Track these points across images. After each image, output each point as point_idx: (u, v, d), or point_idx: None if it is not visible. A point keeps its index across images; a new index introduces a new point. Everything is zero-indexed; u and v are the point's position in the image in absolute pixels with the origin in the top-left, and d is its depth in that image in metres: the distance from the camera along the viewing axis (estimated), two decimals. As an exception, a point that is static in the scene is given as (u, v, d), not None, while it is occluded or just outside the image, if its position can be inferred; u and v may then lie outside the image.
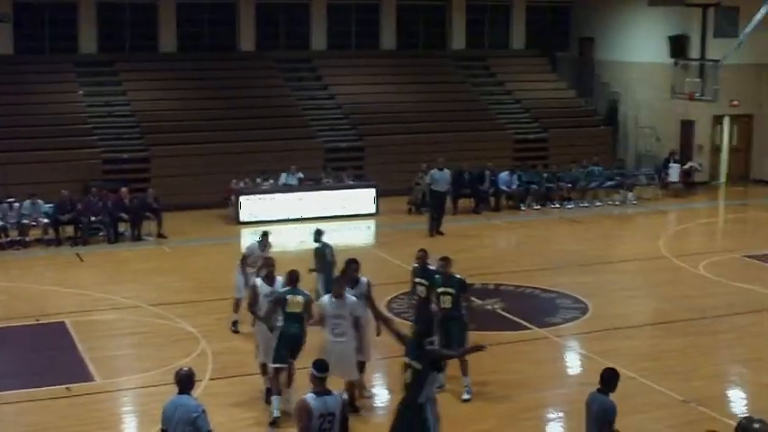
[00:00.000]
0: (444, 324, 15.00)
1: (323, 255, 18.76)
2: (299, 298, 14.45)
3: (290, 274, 14.70)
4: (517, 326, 19.03)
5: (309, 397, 10.21)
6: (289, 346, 14.23)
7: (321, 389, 10.27)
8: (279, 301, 14.50)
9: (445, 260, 15.53)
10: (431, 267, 16.01)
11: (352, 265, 15.24)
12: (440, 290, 15.26)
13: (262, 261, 17.23)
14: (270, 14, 37.45)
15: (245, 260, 18.71)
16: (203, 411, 10.25)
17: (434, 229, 27.49)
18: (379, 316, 14.79)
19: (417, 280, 16.08)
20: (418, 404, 11.62)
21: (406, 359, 11.93)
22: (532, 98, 38.36)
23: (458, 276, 15.46)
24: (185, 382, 10.41)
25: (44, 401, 15.22)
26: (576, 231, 28.98)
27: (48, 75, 33.79)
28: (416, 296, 16.23)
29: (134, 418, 15.15)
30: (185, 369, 10.54)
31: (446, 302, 15.13)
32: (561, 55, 41.05)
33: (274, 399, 14.19)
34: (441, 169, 28.10)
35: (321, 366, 10.42)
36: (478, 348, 12.89)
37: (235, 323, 18.59)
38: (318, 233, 19.32)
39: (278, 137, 32.98)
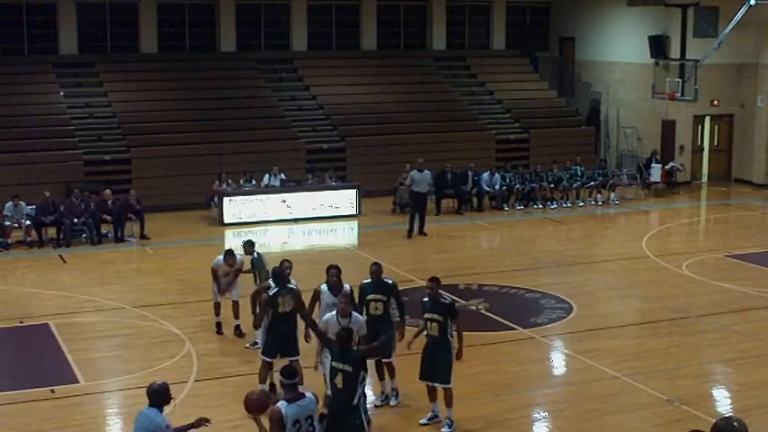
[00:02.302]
0: (431, 350, 13.98)
1: (262, 265, 18.24)
2: (288, 298, 14.69)
3: (278, 274, 14.97)
4: (502, 326, 19.05)
5: (281, 404, 10.20)
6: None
7: (293, 395, 10.25)
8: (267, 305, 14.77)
9: (434, 281, 14.13)
10: (387, 281, 15.00)
11: (332, 270, 14.71)
12: (426, 315, 13.94)
13: (232, 273, 17.90)
14: (250, 15, 37.40)
15: (214, 273, 18.41)
16: (167, 427, 10.00)
17: (419, 230, 27.43)
18: (307, 321, 13.87)
19: (375, 297, 14.69)
20: (353, 406, 11.49)
21: (334, 363, 11.70)
22: (514, 98, 38.42)
23: (447, 301, 14.26)
24: (156, 395, 10.09)
25: (28, 404, 15.15)
26: (559, 231, 29.06)
27: (27, 76, 33.63)
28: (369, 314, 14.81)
29: (119, 420, 15.08)
30: (159, 383, 10.25)
31: (432, 329, 13.88)
32: (542, 55, 41.14)
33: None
34: (421, 170, 27.90)
35: (289, 373, 10.40)
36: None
37: (218, 325, 18.49)
38: (250, 244, 18.59)
39: (259, 138, 32.93)
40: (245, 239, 18.88)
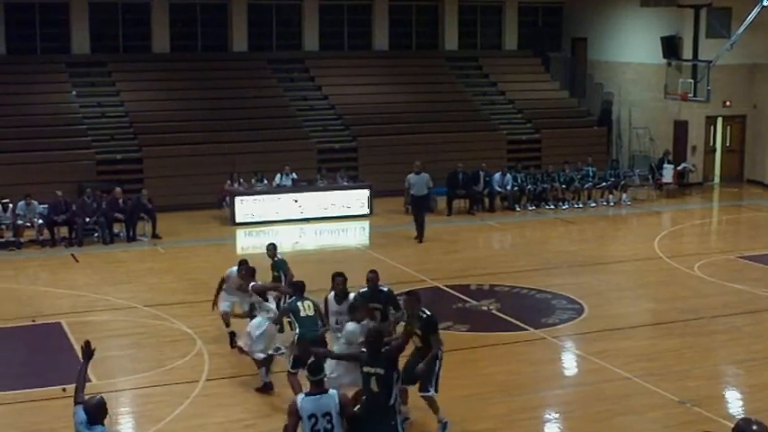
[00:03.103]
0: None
1: (287, 268, 18.05)
2: (308, 303, 14.74)
3: (296, 283, 15.25)
4: (513, 327, 19.02)
5: (299, 396, 10.27)
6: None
7: (314, 389, 10.28)
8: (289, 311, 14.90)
9: (412, 296, 14.08)
10: (383, 289, 14.81)
11: (338, 278, 14.53)
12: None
13: (238, 285, 17.09)
14: (262, 15, 37.44)
15: (222, 282, 18.09)
16: None
17: (418, 237, 26.90)
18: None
19: (372, 305, 14.41)
20: (389, 407, 11.44)
21: (365, 368, 11.53)
22: (525, 99, 38.40)
23: (426, 314, 13.74)
24: (94, 411, 9.74)
25: (40, 402, 15.19)
26: (571, 232, 29.03)
27: (40, 75, 33.75)
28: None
29: (130, 418, 15.13)
30: (96, 398, 9.90)
31: (415, 341, 13.78)
32: (554, 55, 41.09)
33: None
34: (418, 173, 27.51)
35: (315, 370, 10.42)
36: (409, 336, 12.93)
37: (232, 336, 17.61)
38: (273, 248, 18.32)
39: (271, 137, 32.97)
40: (269, 243, 18.68)
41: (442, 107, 36.63)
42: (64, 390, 15.37)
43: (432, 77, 38.52)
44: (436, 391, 13.66)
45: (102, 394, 10.10)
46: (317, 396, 10.20)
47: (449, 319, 19.20)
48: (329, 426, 10.13)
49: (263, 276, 17.38)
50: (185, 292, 21.72)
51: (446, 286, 21.84)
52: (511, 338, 18.35)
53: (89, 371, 16.32)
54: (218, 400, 15.23)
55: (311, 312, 14.66)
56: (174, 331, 18.69)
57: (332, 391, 10.38)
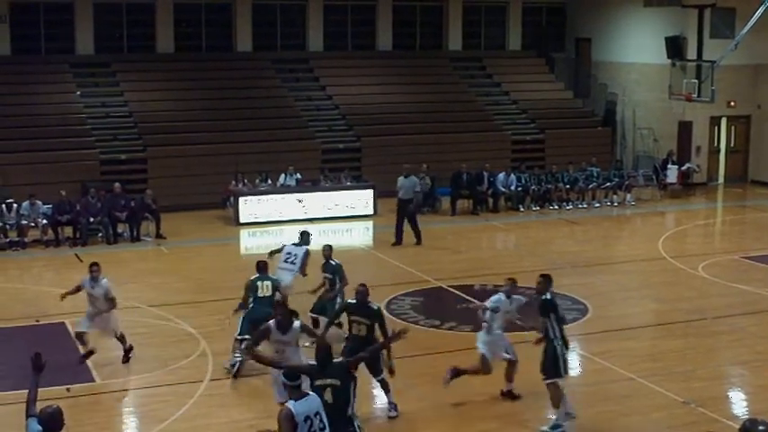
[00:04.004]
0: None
1: (342, 273, 17.86)
2: (267, 283, 16.34)
3: (258, 263, 16.78)
4: (517, 327, 18.94)
5: (290, 403, 10.30)
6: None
7: (298, 394, 10.36)
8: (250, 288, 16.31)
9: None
10: (372, 306, 14.57)
11: (280, 308, 14.27)
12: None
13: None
14: (266, 15, 37.44)
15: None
16: None
17: (416, 240, 26.53)
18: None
19: (354, 318, 14.59)
20: (348, 417, 11.32)
21: (317, 382, 11.25)
22: (529, 99, 38.41)
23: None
24: (50, 423, 9.46)
25: (44, 402, 15.13)
26: (575, 232, 29.02)
27: (45, 75, 33.75)
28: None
29: (134, 418, 15.16)
30: (52, 407, 9.52)
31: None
32: (558, 56, 41.08)
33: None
34: (406, 176, 27.18)
35: (292, 376, 10.49)
36: (394, 338, 12.53)
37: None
38: (329, 248, 18.24)
39: (275, 137, 32.98)
40: (324, 244, 18.50)
41: (445, 107, 36.63)
42: (68, 390, 15.43)
43: (435, 78, 38.51)
44: (561, 375, 14.08)
45: (58, 403, 9.75)
46: (304, 399, 10.32)
47: (452, 320, 19.21)
48: (322, 424, 10.28)
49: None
50: (189, 292, 21.74)
51: (450, 286, 21.84)
52: (514, 339, 18.28)
53: (93, 370, 16.49)
54: (221, 400, 15.25)
55: (268, 293, 16.18)
56: (178, 331, 18.70)
57: (311, 394, 10.53)
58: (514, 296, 15.36)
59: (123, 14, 35.87)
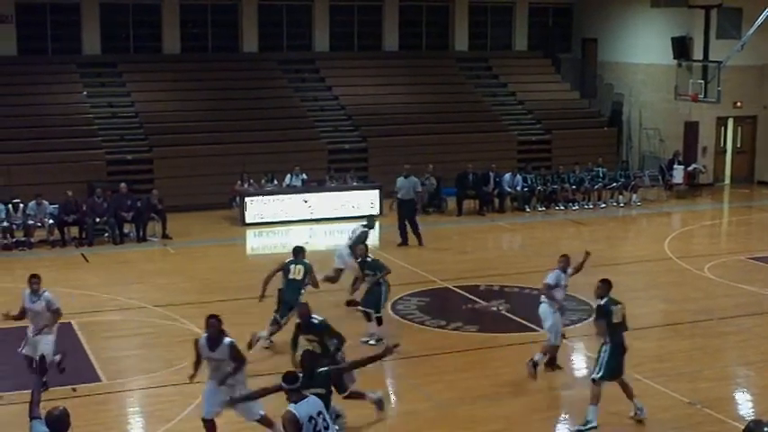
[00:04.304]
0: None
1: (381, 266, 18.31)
2: (300, 267, 17.30)
3: (295, 247, 17.74)
4: (523, 327, 19.01)
5: (291, 406, 10.37)
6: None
7: (297, 397, 10.45)
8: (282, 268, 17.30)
9: (605, 282, 14.65)
10: (314, 321, 14.23)
11: (212, 320, 13.28)
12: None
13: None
14: (272, 16, 37.45)
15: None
16: None
17: (417, 241, 26.48)
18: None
19: (308, 337, 14.28)
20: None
21: (304, 391, 11.04)
22: (536, 99, 38.40)
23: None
24: (56, 424, 9.45)
25: (50, 402, 15.13)
26: (581, 233, 28.98)
27: (51, 76, 33.78)
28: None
29: (140, 418, 15.17)
30: (59, 409, 9.52)
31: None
32: (564, 56, 41.05)
33: None
34: (406, 176, 27.06)
35: (291, 379, 10.58)
36: (380, 356, 12.61)
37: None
38: (364, 244, 18.93)
39: (282, 138, 33.00)
40: (360, 245, 18.85)
41: (452, 108, 36.63)
42: (74, 390, 15.46)
43: (442, 78, 38.50)
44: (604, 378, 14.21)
45: (64, 405, 9.72)
46: (304, 401, 10.43)
47: (458, 320, 19.22)
48: (325, 423, 10.39)
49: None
50: (195, 292, 21.75)
51: (456, 287, 21.84)
52: (521, 339, 18.33)
53: (99, 370, 16.50)
54: (227, 400, 15.19)
55: (299, 276, 17.27)
56: (183, 331, 18.67)
57: (310, 396, 10.64)
58: (569, 270, 16.62)
59: (130, 15, 35.89)
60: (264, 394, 12.26)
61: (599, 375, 14.16)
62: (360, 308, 18.15)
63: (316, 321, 14.18)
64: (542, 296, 16.41)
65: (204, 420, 13.23)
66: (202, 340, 13.22)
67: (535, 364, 15.86)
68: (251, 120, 33.77)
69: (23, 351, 15.62)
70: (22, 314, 15.79)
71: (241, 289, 21.48)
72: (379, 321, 17.83)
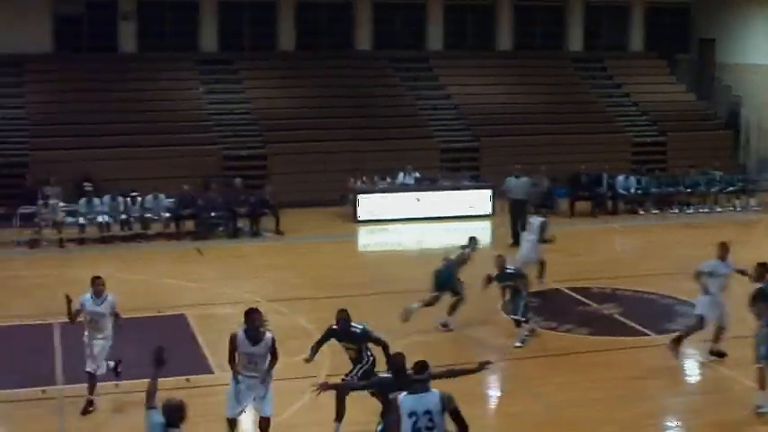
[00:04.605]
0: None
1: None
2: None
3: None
4: (635, 332, 18.78)
5: (401, 394, 10.21)
6: None
7: (417, 387, 10.17)
8: None
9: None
10: (356, 330, 13.78)
11: (254, 314, 13.37)
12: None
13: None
14: (387, 14, 37.62)
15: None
16: None
17: (515, 239, 26.23)
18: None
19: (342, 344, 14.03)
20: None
21: (393, 395, 10.90)
22: (651, 101, 37.92)
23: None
24: (172, 413, 9.77)
25: (164, 392, 15.40)
26: (696, 237, 28.45)
27: (169, 72, 34.47)
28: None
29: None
30: (177, 400, 9.88)
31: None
32: (681, 57, 40.45)
33: None
34: (517, 177, 26.98)
35: (419, 369, 10.31)
36: (474, 370, 12.07)
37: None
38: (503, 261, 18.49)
39: (394, 136, 33.13)
40: (496, 254, 18.81)
41: (565, 108, 36.36)
42: (188, 380, 15.67)
43: (556, 78, 38.25)
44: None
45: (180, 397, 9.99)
46: (420, 394, 10.11)
47: (569, 322, 19.07)
48: (430, 424, 10.02)
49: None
50: (307, 287, 21.93)
51: (567, 289, 21.67)
52: (632, 343, 18.12)
53: (212, 362, 16.74)
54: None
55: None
56: (295, 326, 18.85)
57: (434, 390, 10.25)
58: (728, 259, 17.01)
59: (246, 13, 36.38)
60: (364, 389, 12.17)
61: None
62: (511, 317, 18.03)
63: (356, 331, 13.79)
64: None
65: (229, 421, 13.27)
66: (241, 335, 13.06)
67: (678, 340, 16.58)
68: (363, 117, 33.94)
69: (88, 368, 14.81)
70: (75, 317, 14.92)
71: (352, 285, 21.65)
72: (517, 324, 17.76)
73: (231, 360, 13.22)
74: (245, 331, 13.06)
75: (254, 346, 13.03)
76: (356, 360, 13.76)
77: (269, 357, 13.21)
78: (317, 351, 14.12)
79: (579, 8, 39.42)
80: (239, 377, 13.20)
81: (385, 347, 13.48)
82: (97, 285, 14.74)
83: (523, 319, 17.75)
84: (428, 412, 10.02)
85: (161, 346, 10.55)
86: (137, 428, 11.63)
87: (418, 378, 10.27)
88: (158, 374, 10.41)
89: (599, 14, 40.27)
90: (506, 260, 18.34)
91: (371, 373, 13.44)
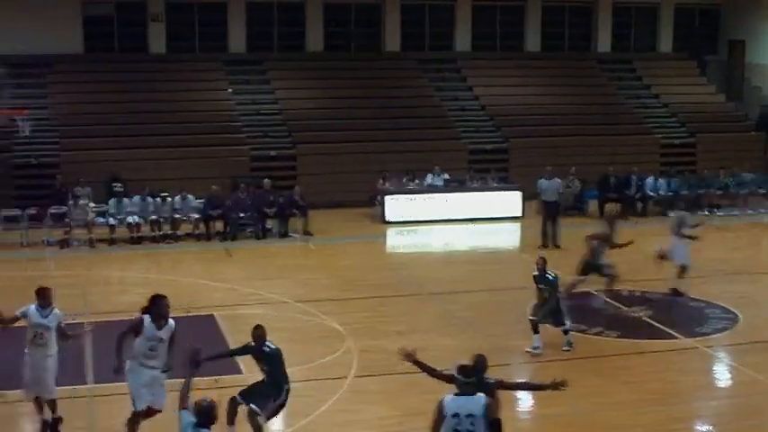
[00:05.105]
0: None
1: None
2: None
3: None
4: (665, 335, 18.69)
5: (447, 395, 10.25)
6: None
7: (463, 390, 10.23)
8: None
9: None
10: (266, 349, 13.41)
11: (162, 300, 13.35)
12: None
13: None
14: (415, 15, 37.65)
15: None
16: None
17: (552, 242, 26.15)
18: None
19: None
20: None
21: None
22: (680, 102, 37.75)
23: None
24: (204, 415, 9.80)
25: (193, 392, 15.45)
26: (726, 239, 28.35)
27: (198, 73, 34.61)
28: None
29: (280, 412, 15.32)
30: (208, 401, 9.92)
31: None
32: (710, 58, 40.25)
33: None
34: (549, 178, 26.81)
35: (466, 373, 10.36)
36: (546, 387, 11.72)
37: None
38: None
39: (422, 137, 33.13)
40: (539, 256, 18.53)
41: (593, 109, 36.28)
42: (216, 381, 15.70)
43: (584, 80, 38.19)
44: None
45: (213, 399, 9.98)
46: (466, 397, 10.17)
47: (599, 325, 19.01)
48: (471, 427, 10.08)
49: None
50: (336, 289, 21.95)
51: (597, 291, 21.57)
52: (662, 347, 18.03)
53: (241, 363, 16.76)
54: (365, 397, 15.33)
55: None
56: (324, 327, 18.88)
57: (479, 395, 10.30)
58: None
59: (274, 14, 36.47)
60: (434, 376, 12.05)
61: None
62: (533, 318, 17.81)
63: (266, 350, 13.39)
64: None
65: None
66: (147, 318, 13.05)
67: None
68: (392, 118, 33.95)
69: (24, 390, 13.72)
70: (10, 322, 13.76)
71: (381, 287, 21.67)
72: (565, 331, 17.62)
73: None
74: (151, 316, 13.00)
75: (158, 330, 12.96)
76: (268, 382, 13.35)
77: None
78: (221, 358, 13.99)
79: (608, 9, 39.28)
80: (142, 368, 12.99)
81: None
82: (43, 296, 13.41)
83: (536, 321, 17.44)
84: (471, 416, 10.09)
85: (197, 348, 10.58)
86: (168, 428, 11.68)
87: (466, 381, 10.29)
88: (193, 376, 10.47)
89: (628, 15, 40.15)
90: (546, 263, 17.98)
91: None
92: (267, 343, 13.33)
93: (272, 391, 13.19)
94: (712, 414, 15.17)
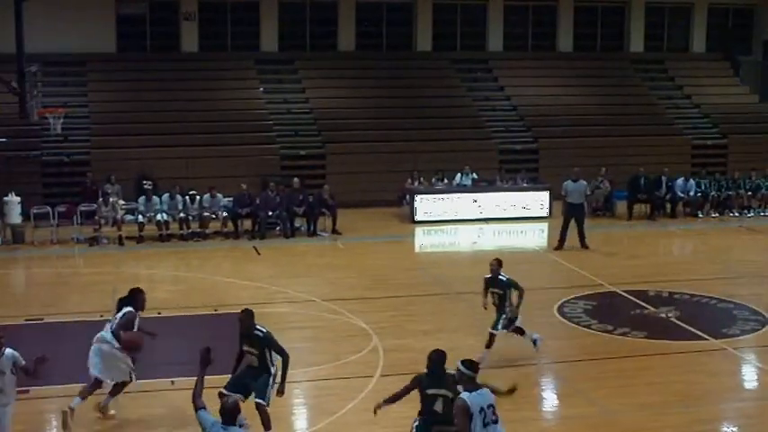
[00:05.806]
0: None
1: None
2: None
3: None
4: (692, 336, 18.58)
5: (465, 395, 10.45)
6: None
7: (472, 386, 10.52)
8: None
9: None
10: (258, 333, 13.45)
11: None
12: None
13: None
14: (447, 15, 37.65)
15: None
16: None
17: (580, 243, 25.90)
18: None
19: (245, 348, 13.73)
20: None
21: (429, 391, 11.40)
22: (712, 103, 37.58)
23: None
24: (230, 413, 9.93)
25: (216, 389, 15.54)
26: (756, 241, 28.19)
27: (230, 72, 34.75)
28: None
29: (304, 410, 15.37)
30: (233, 399, 10.20)
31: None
32: (744, 59, 40.00)
33: None
34: (575, 180, 26.41)
35: (470, 366, 10.65)
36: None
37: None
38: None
39: (452, 137, 33.13)
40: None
41: (625, 110, 36.16)
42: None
43: (616, 80, 38.07)
44: None
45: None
46: (477, 391, 10.50)
47: (625, 325, 18.94)
48: (494, 417, 10.47)
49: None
50: (363, 287, 21.97)
51: (624, 291, 21.51)
52: (689, 348, 17.93)
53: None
54: (391, 395, 15.32)
55: None
56: (350, 326, 18.90)
57: (485, 386, 10.67)
58: None
59: (307, 13, 36.57)
60: (404, 394, 12.21)
61: None
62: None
63: (260, 334, 13.48)
64: None
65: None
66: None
67: None
68: (423, 118, 33.97)
69: None
70: None
71: (409, 286, 21.68)
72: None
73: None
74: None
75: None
76: (259, 366, 13.44)
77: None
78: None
79: (640, 9, 39.13)
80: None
81: (285, 360, 13.31)
82: None
83: (495, 333, 16.53)
84: (491, 406, 10.48)
85: (207, 347, 10.70)
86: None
87: (473, 376, 10.58)
88: (204, 374, 10.58)
89: (660, 15, 39.98)
90: (501, 265, 16.94)
91: None
92: (258, 327, 13.50)
93: (264, 375, 13.41)
94: (739, 416, 15.06)
